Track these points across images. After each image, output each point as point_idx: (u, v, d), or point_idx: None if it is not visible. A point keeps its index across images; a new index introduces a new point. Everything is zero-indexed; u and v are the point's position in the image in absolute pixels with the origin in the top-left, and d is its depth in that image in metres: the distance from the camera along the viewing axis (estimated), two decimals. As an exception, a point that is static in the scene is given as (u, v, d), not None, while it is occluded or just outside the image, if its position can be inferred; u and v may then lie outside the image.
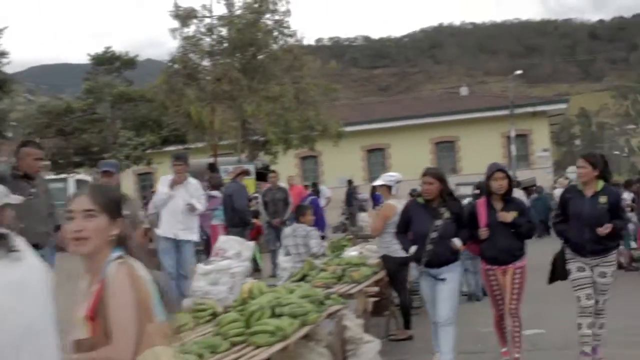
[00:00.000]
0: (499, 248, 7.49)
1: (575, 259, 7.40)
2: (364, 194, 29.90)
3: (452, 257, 7.53)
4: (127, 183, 34.91)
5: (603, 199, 7.24)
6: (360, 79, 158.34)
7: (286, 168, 42.82)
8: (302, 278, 9.20)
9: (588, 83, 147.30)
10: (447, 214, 7.45)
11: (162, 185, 10.83)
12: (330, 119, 24.77)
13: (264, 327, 6.20)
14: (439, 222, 7.41)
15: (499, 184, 7.50)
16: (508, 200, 7.59)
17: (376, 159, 45.98)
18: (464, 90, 49.72)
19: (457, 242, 7.46)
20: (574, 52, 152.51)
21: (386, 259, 9.38)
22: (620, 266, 15.03)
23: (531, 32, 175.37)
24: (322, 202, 21.31)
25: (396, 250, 8.68)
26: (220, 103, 23.50)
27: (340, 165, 42.29)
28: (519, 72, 50.13)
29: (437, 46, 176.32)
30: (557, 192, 24.21)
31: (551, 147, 48.64)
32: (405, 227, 7.78)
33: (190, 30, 23.69)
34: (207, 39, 23.69)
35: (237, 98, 23.01)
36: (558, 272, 7.63)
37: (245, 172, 15.43)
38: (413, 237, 7.67)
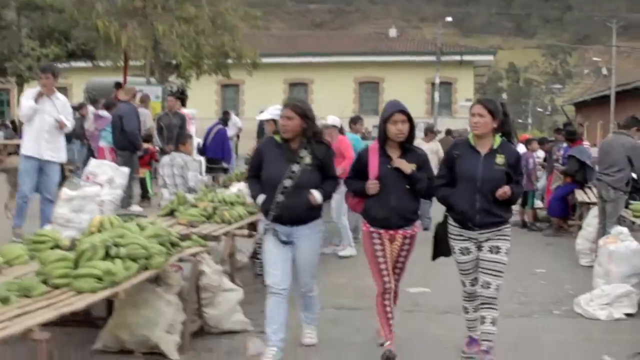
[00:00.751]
0: (389, 207, 5.99)
1: (461, 235, 5.91)
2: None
3: (309, 213, 6.04)
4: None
5: (501, 159, 5.77)
6: (295, 12, 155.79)
7: (204, 95, 41.87)
8: (171, 213, 8.28)
9: (520, 39, 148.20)
10: (307, 159, 5.95)
11: (26, 99, 9.66)
12: (245, 47, 23.50)
13: (90, 270, 5.28)
14: (295, 168, 5.93)
15: (397, 129, 5.91)
16: (407, 149, 6.06)
17: (298, 93, 44.93)
18: (392, 32, 48.83)
19: (316, 195, 5.95)
20: (510, 7, 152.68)
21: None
22: (524, 224, 14.59)
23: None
24: (230, 132, 20.37)
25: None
26: (131, 20, 22.08)
27: (262, 97, 41.01)
28: (449, 19, 49.49)
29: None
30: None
31: (475, 97, 48.40)
32: (257, 170, 6.20)
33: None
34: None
35: (149, 16, 21.63)
36: (442, 247, 6.23)
37: (142, 98, 14.24)
38: (263, 183, 6.13)
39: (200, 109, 40.12)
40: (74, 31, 25.44)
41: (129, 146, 13.64)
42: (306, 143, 5.99)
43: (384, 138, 6.04)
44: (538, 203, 15.32)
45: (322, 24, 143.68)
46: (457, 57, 42.92)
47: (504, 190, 5.68)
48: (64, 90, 40.92)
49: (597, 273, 8.40)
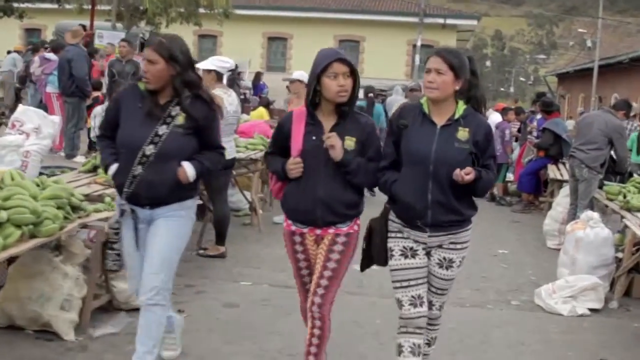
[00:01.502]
0: (315, 196, 4.27)
1: (403, 233, 4.35)
2: (247, 82, 27.99)
3: (175, 192, 4.43)
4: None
5: (463, 134, 4.16)
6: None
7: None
8: (94, 169, 7.39)
9: (508, 7, 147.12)
10: (181, 119, 4.38)
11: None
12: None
13: (-47, 237, 4.43)
14: (162, 130, 4.35)
15: (339, 85, 4.17)
16: (346, 115, 4.32)
17: (277, 47, 43.96)
18: (376, -11, 47.58)
19: (188, 168, 4.41)
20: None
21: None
22: (492, 198, 13.82)
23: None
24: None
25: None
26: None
27: (240, 50, 40.01)
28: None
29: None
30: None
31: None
32: (111, 128, 4.54)
33: None
34: None
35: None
36: (376, 251, 4.48)
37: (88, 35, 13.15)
38: (118, 146, 4.50)
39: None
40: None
41: (78, 92, 12.67)
42: (176, 97, 4.39)
43: (314, 99, 4.29)
44: (509, 176, 14.56)
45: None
46: (441, 20, 41.75)
47: (466, 172, 4.00)
48: (38, 31, 40.09)
49: (562, 262, 7.56)
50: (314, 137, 4.29)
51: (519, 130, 15.30)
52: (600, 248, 7.24)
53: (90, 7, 22.54)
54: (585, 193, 9.07)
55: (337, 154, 4.20)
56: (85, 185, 6.63)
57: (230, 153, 7.27)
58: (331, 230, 4.34)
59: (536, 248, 9.89)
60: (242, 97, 24.17)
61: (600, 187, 9.31)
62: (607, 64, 40.35)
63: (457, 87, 4.19)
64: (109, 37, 21.39)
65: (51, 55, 13.64)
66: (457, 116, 4.20)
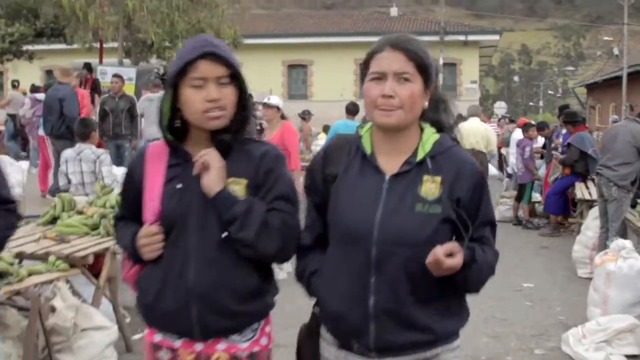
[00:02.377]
0: (186, 288, 2.53)
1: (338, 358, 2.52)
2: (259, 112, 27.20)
3: None
4: None
5: (431, 186, 2.40)
6: (321, 6, 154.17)
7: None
8: (53, 220, 6.54)
9: (532, 21, 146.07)
10: None
11: None
12: (224, 25, 21.56)
13: None
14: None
15: (209, 101, 2.51)
16: (225, 146, 2.59)
17: (298, 75, 43.21)
18: (393, 11, 46.67)
19: None
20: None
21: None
22: (518, 221, 12.81)
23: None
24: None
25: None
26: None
27: (260, 79, 39.39)
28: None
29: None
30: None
31: (480, 79, 46.45)
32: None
33: None
34: None
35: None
36: None
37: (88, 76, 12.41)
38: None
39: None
40: (43, 8, 23.62)
41: (67, 134, 11.87)
42: None
43: (173, 122, 2.64)
44: (536, 196, 13.50)
45: (333, 6, 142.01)
46: (462, 37, 40.82)
47: (446, 251, 2.26)
48: (49, 73, 39.85)
49: (593, 300, 6.49)
50: (179, 186, 2.58)
51: (544, 147, 14.30)
52: (636, 282, 6.21)
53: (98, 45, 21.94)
54: (615, 215, 8.05)
55: (209, 185, 2.48)
56: (34, 242, 5.76)
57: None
58: (221, 346, 2.58)
59: (566, 278, 8.84)
60: (257, 128, 23.42)
61: (633, 206, 8.30)
62: (636, 71, 39.38)
63: (426, 104, 2.49)
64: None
65: (43, 96, 12.95)
66: (420, 156, 2.44)
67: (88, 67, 19.01)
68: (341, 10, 70.17)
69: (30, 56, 25.73)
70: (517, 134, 15.81)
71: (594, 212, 8.85)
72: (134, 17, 20.19)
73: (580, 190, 10.63)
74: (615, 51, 52.32)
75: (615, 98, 43.85)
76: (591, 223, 8.78)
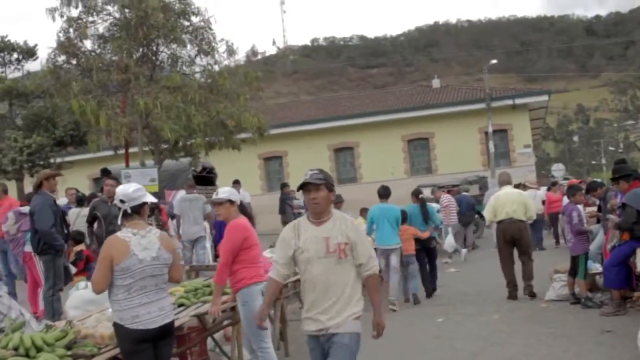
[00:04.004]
0: None
1: None
2: (301, 200, 25.88)
3: None
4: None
5: None
6: (357, 78, 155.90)
7: (244, 170, 39.35)
8: None
9: (585, 80, 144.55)
10: None
11: None
12: (246, 114, 20.38)
13: None
14: None
15: None
16: None
17: (345, 158, 42.16)
18: (436, 83, 45.45)
19: None
20: (571, 49, 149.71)
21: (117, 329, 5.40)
22: (576, 299, 11.05)
23: (528, 29, 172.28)
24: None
25: (130, 316, 5.23)
26: (110, 96, 19.52)
27: (307, 166, 38.20)
28: (494, 61, 45.92)
29: (433, 45, 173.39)
30: (528, 194, 20.26)
31: (538, 144, 44.65)
32: None
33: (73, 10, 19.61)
34: (93, 19, 19.58)
35: (131, 89, 18.99)
36: None
37: (52, 176, 11.08)
38: None
39: (245, 185, 38.04)
40: (61, 117, 22.95)
41: (47, 249, 10.62)
42: None
43: None
44: (595, 267, 11.70)
45: (384, 87, 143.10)
46: (509, 102, 39.26)
47: None
48: (97, 180, 39.40)
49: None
50: None
51: (599, 209, 12.57)
52: None
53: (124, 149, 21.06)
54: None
55: None
56: None
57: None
58: None
59: (635, 374, 7.12)
60: (294, 216, 22.10)
61: None
62: None
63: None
64: (137, 177, 19.77)
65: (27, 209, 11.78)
66: None
67: (105, 172, 18.08)
68: (382, 89, 69.48)
69: (58, 167, 25.02)
70: (540, 193, 14.22)
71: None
72: (148, 115, 19.25)
73: (643, 259, 8.90)
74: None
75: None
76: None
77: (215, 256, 16.24)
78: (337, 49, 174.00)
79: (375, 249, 12.25)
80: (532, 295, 12.19)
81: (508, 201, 12.33)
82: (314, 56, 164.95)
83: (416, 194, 14.33)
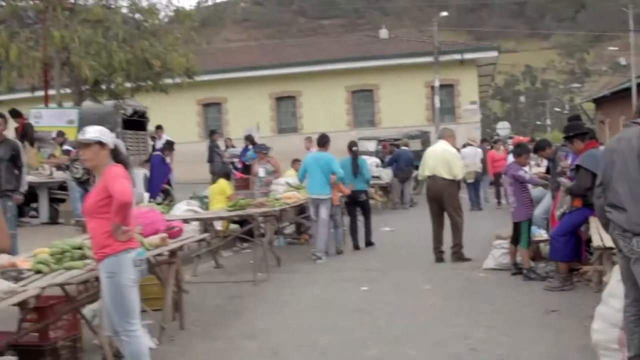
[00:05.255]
0: None
1: None
2: (237, 148, 24.45)
3: None
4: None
5: None
6: (307, 29, 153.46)
7: (180, 116, 37.66)
8: None
9: (535, 41, 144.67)
10: None
11: None
12: (174, 54, 18.61)
13: None
14: None
15: None
16: None
17: (287, 107, 40.76)
18: (383, 34, 43.86)
19: None
20: (523, 9, 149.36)
21: None
22: (517, 270, 9.91)
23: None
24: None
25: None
26: (25, 28, 17.66)
27: (247, 114, 37.00)
28: (444, 13, 44.61)
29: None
30: (466, 152, 19.15)
31: (485, 102, 43.74)
32: None
33: None
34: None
35: (47, 21, 17.19)
36: None
37: None
38: None
39: (182, 131, 36.56)
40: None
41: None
42: None
43: None
44: (539, 233, 10.51)
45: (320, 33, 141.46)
46: (458, 56, 38.12)
47: None
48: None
49: None
50: None
51: (547, 171, 11.44)
52: None
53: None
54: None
55: None
56: None
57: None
58: None
59: (584, 367, 5.96)
60: (230, 166, 20.70)
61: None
62: None
63: None
64: (49, 118, 18.09)
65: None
66: None
67: (13, 113, 16.47)
68: (328, 37, 67.58)
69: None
70: (469, 151, 13.17)
71: (618, 270, 5.88)
72: (66, 50, 17.49)
73: (597, 229, 7.68)
74: (622, 61, 49.77)
75: (625, 111, 41.50)
76: (616, 288, 5.78)
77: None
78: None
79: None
80: (459, 260, 11.35)
81: (431, 158, 11.62)
82: (265, 4, 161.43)
83: (350, 146, 13.92)
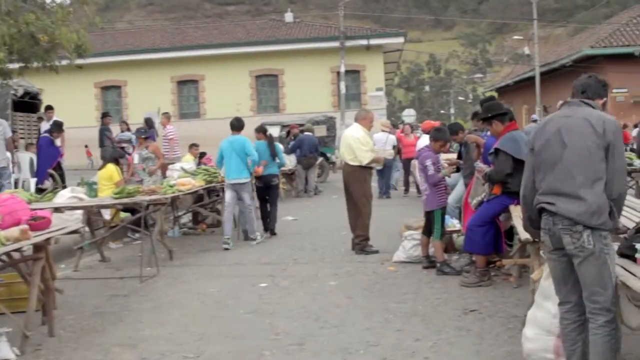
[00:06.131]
0: None
1: None
2: (128, 133, 23.02)
3: None
4: None
5: None
6: (213, 14, 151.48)
7: (79, 99, 35.93)
8: None
9: (439, 31, 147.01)
10: None
11: None
12: (61, 28, 17.04)
13: None
14: None
15: None
16: None
17: (189, 92, 39.50)
18: (288, 17, 42.83)
19: None
20: (427, 0, 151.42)
21: None
22: (430, 263, 9.13)
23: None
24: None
25: None
26: None
27: (147, 98, 35.48)
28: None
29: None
30: (377, 137, 18.34)
31: (390, 90, 43.36)
32: None
33: None
34: None
35: None
36: None
37: None
38: None
39: (79, 115, 34.93)
40: None
41: None
42: None
43: None
44: (452, 223, 9.73)
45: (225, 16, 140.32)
46: (364, 42, 37.47)
47: None
48: None
49: None
50: None
51: (459, 156, 10.71)
52: None
53: None
54: (599, 282, 4.33)
55: None
56: None
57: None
58: None
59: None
60: (113, 149, 19.31)
61: (625, 255, 4.64)
62: (548, 70, 38.17)
63: None
64: None
65: None
66: None
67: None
68: (233, 19, 65.99)
69: None
70: (424, 141, 12.42)
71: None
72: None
73: (519, 222, 6.88)
74: (526, 50, 50.32)
75: (527, 100, 42.25)
76: (549, 288, 4.95)
77: (39, 190, 14.05)
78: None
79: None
80: (364, 252, 10.51)
81: (342, 142, 11.04)
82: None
83: (263, 130, 13.96)
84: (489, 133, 8.82)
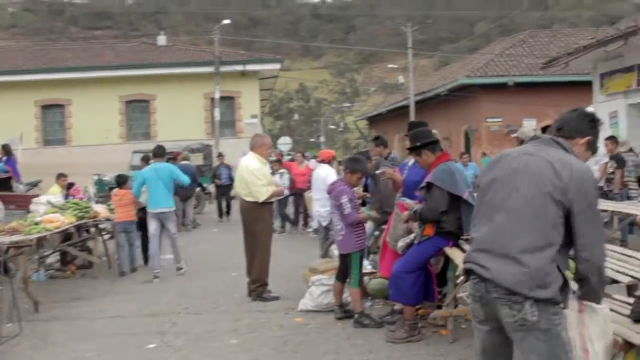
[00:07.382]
0: None
1: None
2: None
3: None
4: None
5: None
6: (79, 39, 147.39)
7: None
8: None
9: (308, 60, 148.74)
10: None
11: None
12: None
13: None
14: None
15: None
16: None
17: (54, 117, 37.07)
18: (161, 40, 41.09)
19: None
20: (296, 29, 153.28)
21: None
22: (345, 313, 7.95)
23: (256, 6, 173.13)
24: None
25: None
26: None
27: (9, 123, 32.89)
28: (227, 21, 42.75)
29: (162, 12, 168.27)
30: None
31: (261, 117, 42.46)
32: None
33: None
34: None
35: None
36: None
37: None
38: None
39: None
40: None
41: None
42: None
43: None
44: (363, 265, 8.60)
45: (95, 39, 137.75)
46: (240, 67, 36.32)
47: None
48: None
49: None
50: None
51: (365, 188, 9.70)
52: None
53: None
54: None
55: None
56: None
57: None
58: None
59: None
60: None
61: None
62: (422, 99, 38.53)
63: None
64: None
65: None
66: None
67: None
68: (102, 42, 63.32)
69: None
70: (323, 172, 11.33)
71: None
72: None
73: (454, 262, 5.84)
74: (400, 79, 50.88)
75: (401, 128, 41.91)
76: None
77: None
78: (61, 7, 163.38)
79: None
80: (261, 299, 9.29)
81: (237, 175, 9.88)
82: (35, 11, 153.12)
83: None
84: (410, 161, 7.80)
